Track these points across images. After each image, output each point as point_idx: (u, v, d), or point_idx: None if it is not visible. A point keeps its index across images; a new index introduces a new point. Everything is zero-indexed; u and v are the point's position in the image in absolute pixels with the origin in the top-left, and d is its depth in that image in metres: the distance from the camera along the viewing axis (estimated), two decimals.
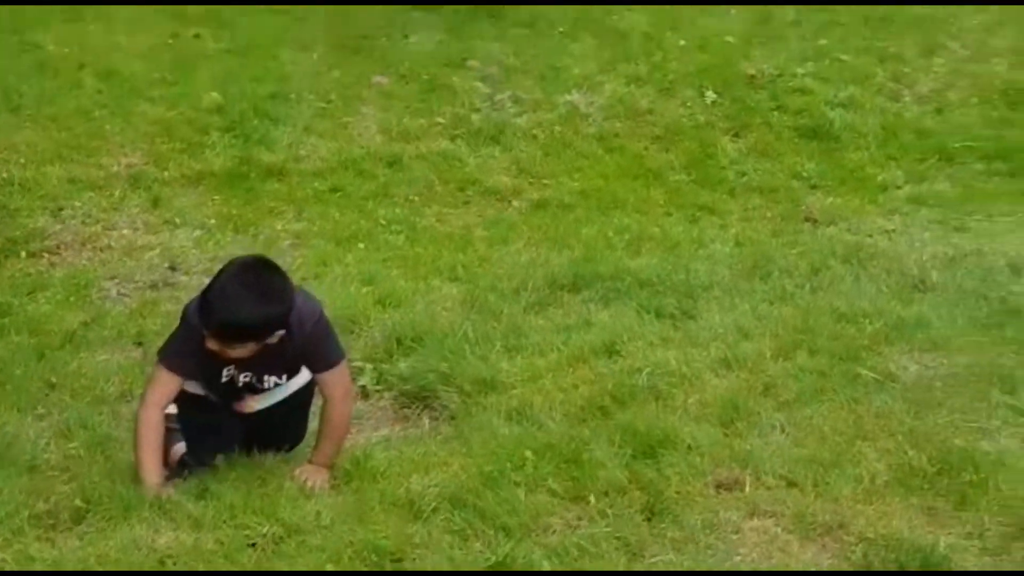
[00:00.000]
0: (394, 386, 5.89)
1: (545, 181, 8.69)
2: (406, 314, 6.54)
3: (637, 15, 10.03)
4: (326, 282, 7.15)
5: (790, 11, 10.22)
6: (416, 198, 8.35)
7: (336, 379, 4.67)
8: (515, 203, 8.48)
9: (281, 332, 4.38)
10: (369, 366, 6.04)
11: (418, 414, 5.68)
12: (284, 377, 4.67)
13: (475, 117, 9.05)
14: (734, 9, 10.18)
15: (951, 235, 8.04)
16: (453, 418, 5.48)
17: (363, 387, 5.91)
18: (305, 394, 4.87)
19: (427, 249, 7.74)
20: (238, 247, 7.56)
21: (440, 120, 8.98)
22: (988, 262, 7.14)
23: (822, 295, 6.67)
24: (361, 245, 7.74)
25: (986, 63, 9.97)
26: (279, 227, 7.84)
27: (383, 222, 8.05)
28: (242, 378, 4.61)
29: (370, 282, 7.13)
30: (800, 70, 9.75)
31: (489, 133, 8.95)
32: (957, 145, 9.24)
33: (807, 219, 8.55)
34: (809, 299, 6.56)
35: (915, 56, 9.98)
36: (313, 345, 4.57)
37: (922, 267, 7.03)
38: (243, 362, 4.52)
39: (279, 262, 7.33)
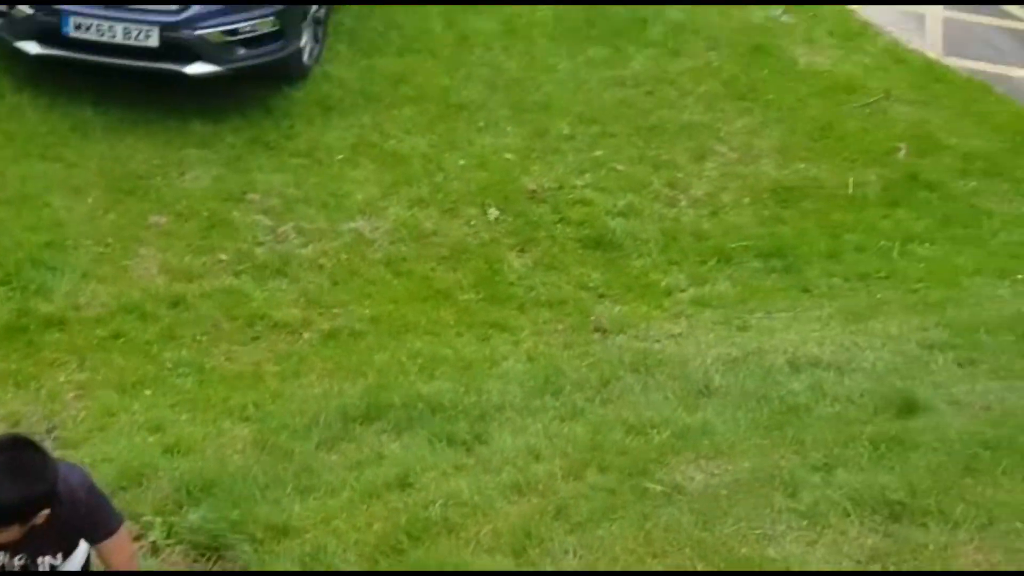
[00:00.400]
0: (185, 539, 5.75)
1: (335, 310, 8.64)
2: (196, 461, 6.41)
3: (416, 138, 10.10)
4: (112, 433, 6.97)
5: (564, 125, 10.43)
6: (203, 338, 8.21)
7: (117, 546, 4.53)
8: (306, 335, 8.41)
9: (46, 511, 4.24)
10: (158, 519, 5.90)
11: (210, 567, 5.55)
12: (60, 556, 4.50)
13: (259, 251, 8.98)
14: (510, 127, 10.35)
15: (734, 335, 8.25)
16: (246, 569, 5.37)
17: (153, 542, 5.76)
18: (87, 571, 4.71)
19: (217, 390, 7.61)
20: (19, 403, 7.34)
21: (223, 256, 8.89)
22: (768, 361, 7.33)
23: (612, 407, 6.76)
24: (148, 391, 7.57)
25: (754, 164, 10.30)
26: (62, 379, 7.62)
27: (170, 365, 7.90)
28: (16, 562, 4.43)
29: (158, 430, 6.97)
30: (579, 182, 9.93)
31: (274, 266, 8.88)
32: (734, 245, 9.51)
33: (597, 329, 8.69)
34: (600, 413, 6.64)
35: (687, 162, 10.26)
36: (88, 516, 4.42)
37: (706, 371, 7.19)
38: (12, 546, 4.35)
39: (63, 416, 7.26)
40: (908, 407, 6.24)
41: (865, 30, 12.01)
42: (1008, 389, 6.65)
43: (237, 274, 8.77)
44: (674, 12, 11.82)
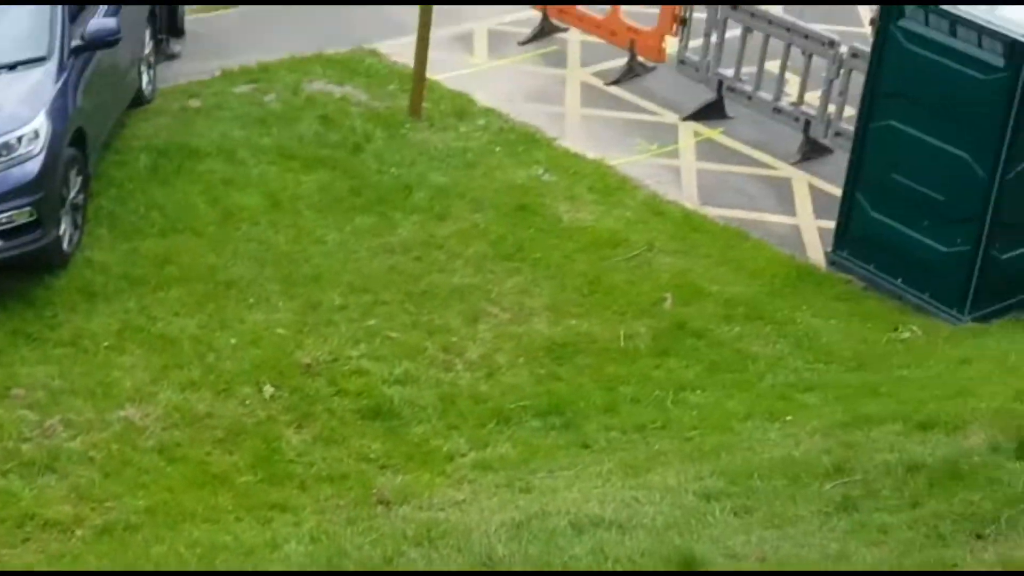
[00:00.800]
0: None
1: (108, 504, 8.43)
2: None
3: (184, 320, 9.96)
4: None
5: (336, 296, 10.42)
6: None
7: None
8: (78, 532, 8.18)
9: None
10: None
11: None
12: None
13: (25, 447, 8.72)
14: (281, 301, 10.29)
15: (517, 498, 8.26)
16: None
17: None
18: None
19: None
20: None
21: None
22: (551, 523, 7.35)
23: None
24: None
25: (527, 323, 10.43)
26: None
27: None
28: None
29: None
30: (354, 352, 9.91)
31: (42, 462, 8.63)
32: (512, 406, 9.59)
33: (380, 502, 8.62)
34: None
35: (460, 325, 10.34)
36: None
37: (489, 540, 7.16)
38: None
39: None
40: (687, 564, 6.31)
41: (624, 184, 12.35)
42: (781, 537, 6.79)
43: (4, 473, 8.53)
44: (437, 177, 12.00)
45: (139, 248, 10.63)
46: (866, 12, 15.27)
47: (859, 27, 14.96)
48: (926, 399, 9.04)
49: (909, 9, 10.83)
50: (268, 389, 9.50)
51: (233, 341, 9.87)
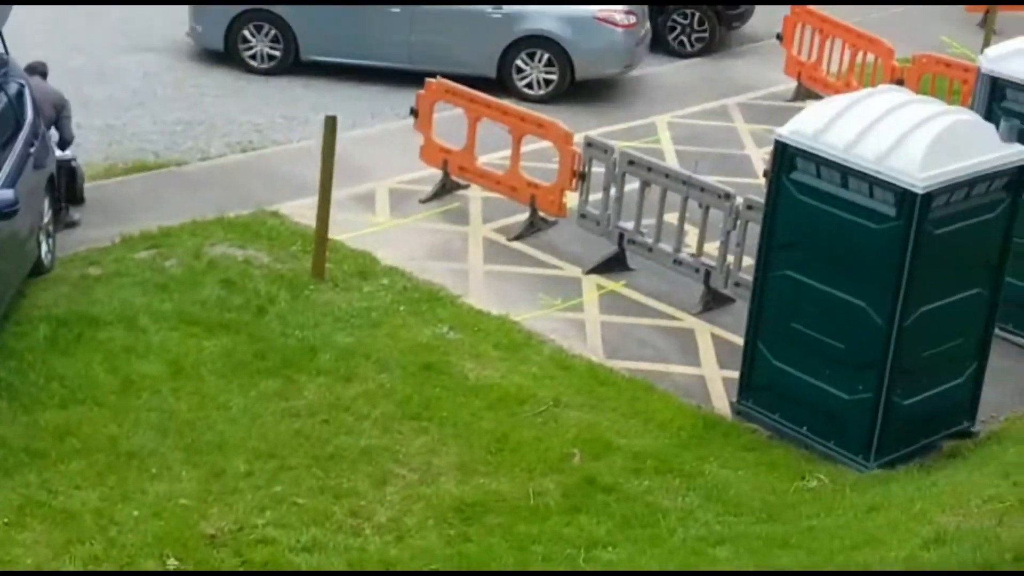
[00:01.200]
0: None
1: None
2: None
3: (86, 493, 9.75)
4: None
5: (241, 463, 10.26)
6: None
7: None
8: None
9: None
10: None
11: None
12: None
13: None
14: (185, 470, 10.12)
15: None
16: None
17: None
18: None
19: None
20: None
21: None
22: None
23: None
24: None
25: (435, 484, 10.34)
26: None
27: None
28: None
29: None
30: (260, 521, 9.73)
31: None
32: (423, 571, 9.42)
33: None
34: None
35: (368, 488, 10.21)
36: None
37: None
38: None
39: None
40: None
41: (529, 340, 12.39)
42: None
43: None
44: (342, 338, 11.96)
45: (39, 420, 10.43)
46: (760, 164, 15.63)
47: (754, 179, 15.29)
48: (835, 549, 9.05)
49: (800, 162, 11.08)
50: (172, 562, 9.28)
51: (136, 513, 9.66)
